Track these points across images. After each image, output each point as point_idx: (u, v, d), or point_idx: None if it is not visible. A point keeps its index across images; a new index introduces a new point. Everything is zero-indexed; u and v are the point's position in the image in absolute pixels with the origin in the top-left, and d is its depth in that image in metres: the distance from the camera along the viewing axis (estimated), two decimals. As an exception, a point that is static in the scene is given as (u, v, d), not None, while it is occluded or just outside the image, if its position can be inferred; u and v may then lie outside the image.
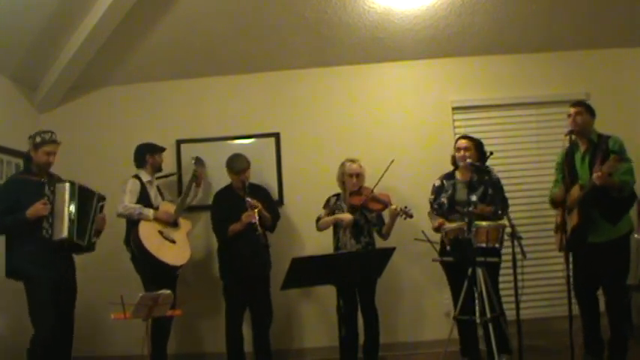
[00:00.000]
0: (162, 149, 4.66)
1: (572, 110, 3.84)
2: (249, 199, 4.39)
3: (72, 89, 5.19)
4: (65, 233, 3.73)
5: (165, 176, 4.84)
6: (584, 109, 3.81)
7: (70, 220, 3.76)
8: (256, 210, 4.34)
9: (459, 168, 4.29)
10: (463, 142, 4.25)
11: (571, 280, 3.66)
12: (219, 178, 4.89)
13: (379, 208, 4.32)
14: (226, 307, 4.48)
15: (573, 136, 3.83)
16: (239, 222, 4.37)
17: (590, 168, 3.64)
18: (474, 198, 4.12)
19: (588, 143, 3.79)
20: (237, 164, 4.53)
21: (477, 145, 4.27)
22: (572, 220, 3.70)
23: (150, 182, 4.53)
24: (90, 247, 3.98)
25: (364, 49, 5.05)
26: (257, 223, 4.29)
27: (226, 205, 4.52)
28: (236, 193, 4.56)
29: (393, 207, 4.22)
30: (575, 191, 3.71)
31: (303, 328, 5.00)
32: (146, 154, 4.55)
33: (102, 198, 4.09)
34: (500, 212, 4.08)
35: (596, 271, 3.73)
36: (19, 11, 4.09)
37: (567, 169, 3.81)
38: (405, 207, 4.18)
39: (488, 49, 5.07)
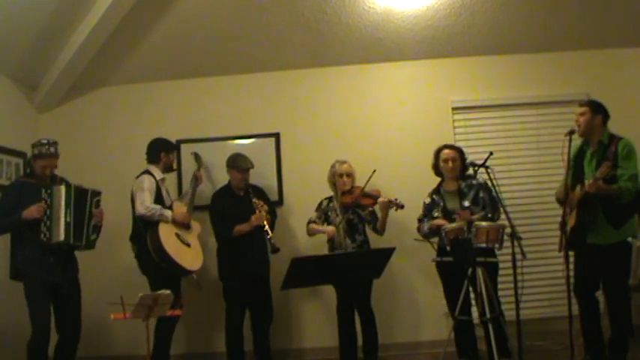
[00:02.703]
0: (175, 148, 4.57)
1: (578, 110, 3.81)
2: (255, 200, 4.41)
3: (72, 89, 5.19)
4: (62, 237, 3.73)
5: (172, 171, 4.76)
6: (589, 108, 3.76)
7: (67, 223, 3.75)
8: (265, 214, 4.36)
9: (446, 180, 4.29)
10: (450, 153, 4.25)
11: (571, 279, 3.66)
12: (220, 178, 4.91)
13: (370, 203, 4.34)
14: (227, 308, 4.48)
15: (578, 137, 3.82)
16: (247, 223, 4.35)
17: (597, 169, 3.60)
18: (466, 203, 4.13)
19: (597, 144, 3.75)
20: (244, 162, 4.53)
21: (461, 154, 4.29)
22: (571, 220, 3.71)
23: (162, 180, 4.40)
24: (89, 246, 3.96)
25: (364, 49, 5.05)
26: (267, 226, 4.30)
27: (226, 206, 4.51)
28: (235, 193, 4.55)
29: (382, 199, 4.22)
30: (577, 192, 3.70)
31: (303, 328, 5.00)
32: (161, 152, 4.39)
33: (97, 193, 4.02)
34: (489, 216, 4.08)
35: (597, 272, 3.73)
36: (19, 11, 4.09)
37: (574, 168, 3.80)
38: (395, 198, 4.18)
39: (488, 49, 5.07)
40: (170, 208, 4.33)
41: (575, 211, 3.68)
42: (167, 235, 4.13)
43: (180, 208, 4.39)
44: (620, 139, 3.69)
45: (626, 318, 3.66)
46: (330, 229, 4.35)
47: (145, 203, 4.13)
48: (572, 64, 5.11)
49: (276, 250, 4.33)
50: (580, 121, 3.77)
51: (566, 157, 3.73)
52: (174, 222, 4.25)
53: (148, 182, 4.21)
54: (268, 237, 4.31)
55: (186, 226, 4.35)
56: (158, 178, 4.34)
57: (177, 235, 4.23)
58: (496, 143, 4.94)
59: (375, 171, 4.27)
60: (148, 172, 4.33)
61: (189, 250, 4.27)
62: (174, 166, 4.61)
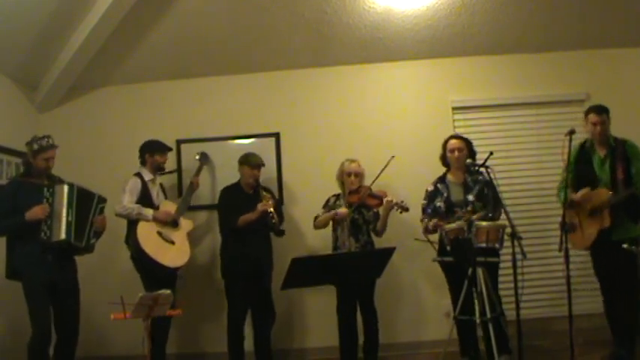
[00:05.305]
0: (164, 149, 4.58)
1: (596, 118, 3.92)
2: (264, 192, 4.43)
3: (72, 89, 5.19)
4: (63, 235, 3.72)
5: (167, 173, 4.77)
6: (607, 116, 3.92)
7: (68, 223, 3.76)
8: (271, 201, 4.38)
9: (452, 170, 4.29)
10: (456, 143, 4.26)
11: (571, 280, 3.67)
12: (219, 178, 4.92)
13: (376, 204, 4.32)
14: (228, 307, 4.47)
15: (594, 141, 3.96)
16: (254, 211, 4.35)
17: (612, 172, 3.79)
18: (470, 198, 4.12)
19: (607, 148, 3.90)
20: (256, 158, 4.55)
21: (468, 144, 4.29)
22: (603, 221, 3.81)
23: (152, 181, 4.47)
24: (88, 248, 3.97)
25: (364, 49, 5.05)
26: (273, 212, 4.31)
27: (235, 201, 4.49)
28: (243, 190, 4.55)
29: (388, 199, 4.21)
30: (603, 194, 3.82)
31: (303, 328, 5.00)
32: (145, 154, 4.50)
33: (103, 200, 4.05)
34: (490, 215, 4.07)
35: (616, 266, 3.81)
36: (19, 11, 4.09)
37: (581, 170, 3.94)
38: (402, 200, 4.17)
39: (488, 49, 5.07)
40: (158, 208, 4.39)
41: (607, 212, 3.79)
42: (146, 233, 4.21)
43: (167, 207, 4.44)
44: (624, 141, 3.89)
45: (636, 313, 3.72)
46: (343, 209, 4.30)
47: (122, 203, 4.27)
48: (572, 64, 5.11)
49: (280, 233, 4.39)
50: (603, 130, 3.91)
51: (566, 157, 3.76)
52: (156, 220, 4.30)
53: (130, 183, 4.36)
54: (274, 221, 4.33)
55: (172, 224, 4.38)
56: (147, 179, 4.43)
57: (160, 234, 4.29)
58: (496, 143, 4.94)
59: (393, 157, 4.19)
60: (137, 173, 4.45)
61: (172, 247, 4.30)
62: (167, 167, 4.65)
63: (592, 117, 3.95)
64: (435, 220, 4.11)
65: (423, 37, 4.95)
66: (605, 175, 3.88)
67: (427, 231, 4.16)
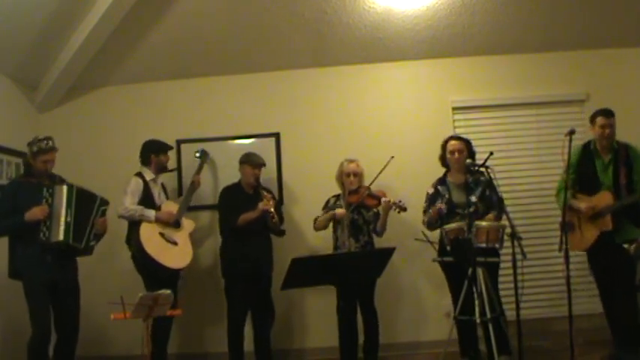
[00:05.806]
0: (168, 148, 4.57)
1: (605, 121, 3.95)
2: (264, 192, 4.42)
3: (72, 89, 5.19)
4: (61, 236, 3.72)
5: (168, 171, 4.72)
6: (614, 120, 3.95)
7: (67, 223, 3.75)
8: (272, 201, 4.37)
9: (452, 171, 4.29)
10: (456, 144, 4.25)
11: (571, 280, 3.68)
12: (219, 178, 4.91)
13: (374, 204, 4.31)
14: (228, 308, 4.47)
15: (599, 146, 4.00)
16: (254, 210, 4.34)
17: (615, 176, 3.84)
18: (473, 199, 4.12)
19: (611, 152, 3.94)
20: (258, 157, 4.55)
21: (468, 145, 4.29)
22: (605, 224, 3.84)
23: (154, 180, 4.45)
24: (87, 250, 3.96)
25: (364, 49, 5.05)
26: (274, 211, 4.31)
27: (235, 201, 4.49)
28: (244, 190, 4.55)
29: (386, 199, 4.20)
30: (605, 197, 3.85)
31: (303, 328, 5.00)
32: (151, 154, 4.46)
33: (105, 202, 4.05)
34: (499, 216, 4.08)
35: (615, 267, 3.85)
36: (19, 11, 4.09)
37: (583, 173, 3.99)
38: (399, 200, 4.16)
39: (488, 49, 5.07)
40: (160, 208, 4.37)
41: (609, 216, 3.83)
42: (149, 234, 4.19)
43: (169, 207, 4.41)
44: (626, 145, 3.93)
45: (632, 317, 3.74)
46: (340, 210, 4.32)
47: (124, 205, 4.24)
48: (572, 64, 5.11)
49: (281, 233, 4.43)
50: (607, 132, 3.94)
51: (566, 157, 3.76)
52: (159, 221, 4.28)
53: (132, 184, 4.32)
54: (274, 221, 4.34)
55: (174, 224, 4.36)
56: (149, 179, 4.41)
57: (162, 235, 4.27)
58: (496, 143, 4.94)
59: (392, 157, 4.17)
60: (138, 173, 4.42)
61: (174, 248, 4.29)
62: (169, 166, 4.63)
63: (600, 120, 3.97)
64: (436, 207, 4.12)
65: (423, 37, 4.95)
66: (607, 179, 3.92)
67: (430, 224, 4.17)
